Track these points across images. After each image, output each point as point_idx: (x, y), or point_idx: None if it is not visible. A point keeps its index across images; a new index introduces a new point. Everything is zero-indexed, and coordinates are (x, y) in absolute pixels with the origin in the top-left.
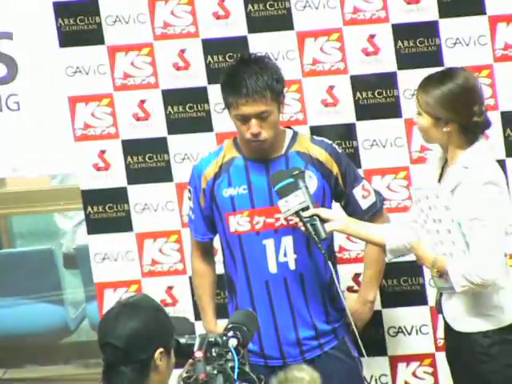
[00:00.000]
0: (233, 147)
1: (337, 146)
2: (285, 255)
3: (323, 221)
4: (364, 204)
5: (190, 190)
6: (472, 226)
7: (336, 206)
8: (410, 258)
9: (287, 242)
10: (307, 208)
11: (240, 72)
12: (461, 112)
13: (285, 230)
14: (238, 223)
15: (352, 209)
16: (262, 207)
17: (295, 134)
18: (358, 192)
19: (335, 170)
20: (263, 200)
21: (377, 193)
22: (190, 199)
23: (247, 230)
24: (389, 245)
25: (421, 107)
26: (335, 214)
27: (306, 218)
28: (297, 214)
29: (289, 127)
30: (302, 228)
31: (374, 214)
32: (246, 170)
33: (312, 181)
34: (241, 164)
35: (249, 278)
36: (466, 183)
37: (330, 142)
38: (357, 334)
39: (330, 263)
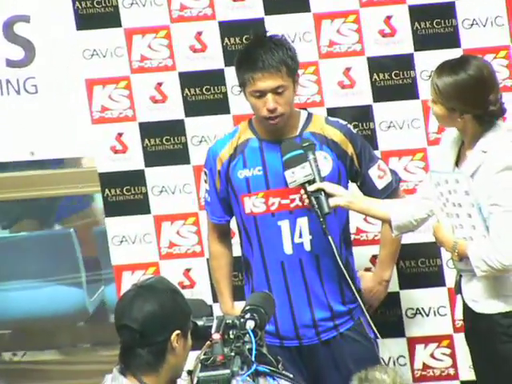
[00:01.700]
0: (248, 129)
1: (351, 127)
2: (300, 236)
3: (328, 195)
4: (380, 184)
5: (205, 173)
6: (492, 211)
7: (352, 185)
8: (428, 239)
9: (302, 223)
10: (313, 181)
11: (256, 48)
12: (475, 103)
13: (300, 211)
14: (254, 205)
15: (368, 189)
16: (276, 188)
17: (310, 115)
18: (373, 172)
19: (350, 150)
20: (278, 181)
21: (393, 172)
22: (206, 182)
23: (262, 211)
24: (394, 221)
25: (435, 97)
26: (340, 189)
27: (310, 191)
28: (302, 186)
29: (304, 109)
30: (306, 201)
31: (390, 193)
32: (261, 151)
33: (327, 161)
34: (256, 145)
35: (264, 260)
36: (485, 168)
37: (344, 122)
38: (367, 315)
39: (330, 238)
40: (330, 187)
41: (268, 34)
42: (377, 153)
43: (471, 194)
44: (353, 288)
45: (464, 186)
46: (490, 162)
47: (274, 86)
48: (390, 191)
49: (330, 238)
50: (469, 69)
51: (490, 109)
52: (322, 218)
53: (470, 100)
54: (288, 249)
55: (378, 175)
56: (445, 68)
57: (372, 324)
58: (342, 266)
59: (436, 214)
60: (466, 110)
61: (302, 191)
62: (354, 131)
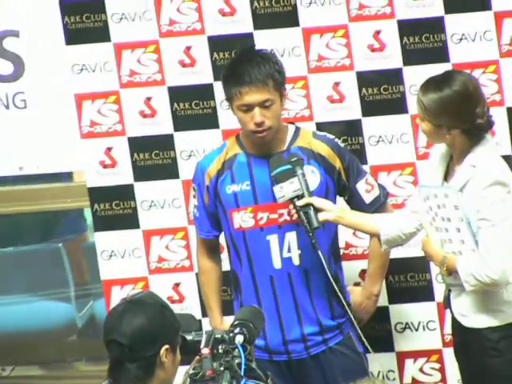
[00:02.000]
0: (235, 144)
1: (339, 141)
2: (289, 250)
3: (317, 210)
4: (368, 198)
5: (194, 188)
6: (481, 226)
7: (340, 200)
8: (417, 253)
9: (291, 237)
10: (302, 196)
11: (243, 63)
12: (462, 118)
13: (288, 225)
14: (242, 219)
15: (356, 203)
16: (265, 203)
17: (297, 129)
18: (361, 186)
19: (338, 164)
20: (266, 196)
21: (381, 187)
22: (194, 197)
23: (251, 226)
24: (383, 235)
25: (422, 114)
26: (329, 204)
27: (299, 206)
28: (291, 201)
29: (291, 123)
30: (295, 215)
31: (378, 207)
32: (249, 166)
33: (315, 176)
34: (243, 160)
35: (253, 274)
36: (473, 182)
37: (332, 136)
38: (358, 329)
39: (320, 252)
40: (318, 202)
41: (254, 48)
42: (366, 167)
43: (460, 209)
44: (343, 301)
45: (453, 200)
46: (479, 177)
47: (261, 100)
48: (378, 205)
49: (319, 252)
50: (453, 84)
51: (477, 122)
52: (311, 232)
53: (457, 115)
54: (277, 263)
55: (366, 189)
56: (430, 85)
57: (363, 337)
58: (331, 280)
59: (425, 228)
60: (454, 126)
61: (291, 206)
62: (342, 145)
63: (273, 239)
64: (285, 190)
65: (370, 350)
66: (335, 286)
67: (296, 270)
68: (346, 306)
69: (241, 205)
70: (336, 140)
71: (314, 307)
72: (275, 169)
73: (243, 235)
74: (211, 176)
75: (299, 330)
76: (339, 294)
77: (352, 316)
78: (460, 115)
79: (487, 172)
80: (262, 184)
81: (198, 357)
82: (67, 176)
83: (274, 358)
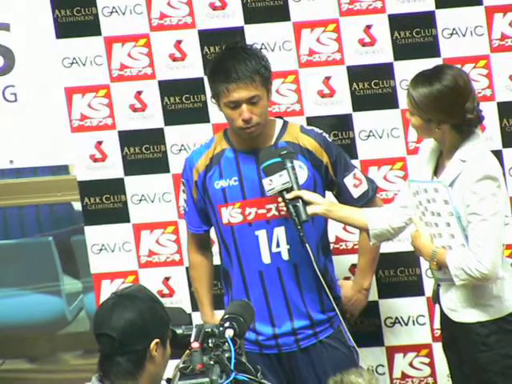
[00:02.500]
0: (223, 139)
1: (327, 135)
2: (277, 245)
3: (306, 203)
4: (356, 193)
5: (183, 183)
6: (471, 220)
7: (329, 194)
8: (407, 248)
9: (279, 232)
10: (291, 189)
11: (229, 59)
12: (452, 113)
13: (277, 220)
14: (231, 215)
15: (344, 197)
16: (253, 198)
17: (285, 123)
18: (349, 181)
19: (325, 159)
20: (254, 191)
21: (369, 181)
22: (183, 192)
23: (239, 221)
24: (372, 229)
25: (412, 109)
26: (318, 197)
27: (288, 199)
28: (280, 194)
29: (279, 117)
30: (284, 209)
31: (366, 202)
32: (237, 161)
33: (302, 171)
34: (231, 156)
35: (243, 269)
36: (463, 177)
37: (320, 131)
38: (343, 323)
39: (308, 246)
40: (307, 195)
41: (239, 44)
42: (356, 162)
43: (450, 203)
44: (330, 296)
45: (443, 195)
46: (469, 171)
47: (248, 97)
48: (367, 200)
49: (307, 245)
50: (443, 79)
51: (467, 117)
52: (300, 225)
53: (447, 110)
54: (266, 258)
55: (354, 184)
56: (420, 79)
57: (348, 334)
58: (319, 274)
59: (414, 222)
60: (444, 120)
61: (280, 199)
62: (330, 140)
63: (261, 234)
64: (274, 183)
65: (355, 345)
66: (322, 281)
67: (285, 264)
68: (333, 301)
69: (229, 200)
70: (324, 134)
71: (304, 301)
72: (265, 162)
73: (232, 230)
74: (200, 171)
75: (289, 324)
76: (326, 289)
77: (338, 310)
78: (450, 110)
79: (477, 167)
80: (249, 179)
81: (188, 351)
82: (64, 169)
83: (265, 351)
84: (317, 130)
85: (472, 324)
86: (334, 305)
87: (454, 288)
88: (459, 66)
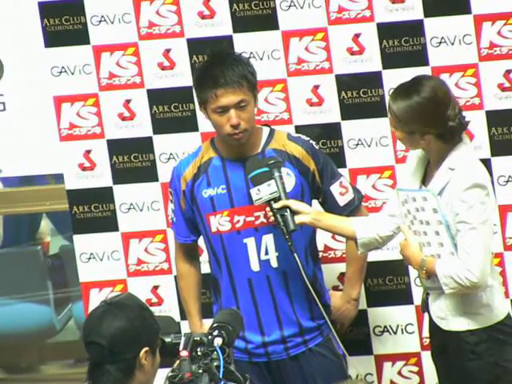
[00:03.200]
0: (210, 148)
1: (314, 143)
2: (266, 253)
3: (294, 212)
4: (342, 201)
5: (171, 193)
6: (460, 229)
7: (314, 202)
8: (396, 256)
9: (268, 239)
10: (279, 198)
11: (216, 66)
12: (433, 123)
13: (265, 228)
14: (219, 223)
15: (329, 205)
16: (241, 206)
17: (272, 131)
18: (335, 189)
19: (312, 166)
20: (242, 199)
21: (355, 190)
22: (171, 202)
23: (228, 229)
24: (359, 238)
25: (393, 122)
26: (306, 207)
27: (276, 209)
28: (268, 203)
29: (266, 125)
30: (272, 218)
31: (352, 210)
32: (224, 169)
33: (290, 178)
34: (218, 164)
35: (232, 277)
36: (452, 185)
37: (307, 138)
38: (334, 333)
39: (296, 255)
40: (295, 205)
41: (224, 51)
42: (345, 170)
43: (439, 212)
44: (318, 304)
45: (432, 203)
46: (458, 180)
47: (236, 101)
48: (352, 208)
49: (295, 255)
50: (422, 91)
51: (449, 125)
52: (288, 235)
53: (428, 121)
54: (255, 266)
55: (340, 192)
56: (399, 92)
57: (339, 341)
58: (307, 283)
59: (403, 231)
60: (426, 131)
61: (268, 208)
62: (317, 147)
63: (250, 242)
64: (262, 193)
65: (346, 353)
66: (311, 289)
67: (274, 272)
68: (322, 309)
69: (217, 208)
70: (311, 142)
71: (293, 308)
72: (252, 171)
73: (221, 239)
74: (187, 180)
75: (279, 332)
76: (315, 297)
77: (327, 318)
78: (431, 121)
79: (466, 175)
80: (237, 187)
81: (177, 359)
82: (59, 178)
83: (254, 360)
84: (304, 137)
85: (461, 332)
86: (324, 312)
87: (444, 296)
88: (448, 74)
